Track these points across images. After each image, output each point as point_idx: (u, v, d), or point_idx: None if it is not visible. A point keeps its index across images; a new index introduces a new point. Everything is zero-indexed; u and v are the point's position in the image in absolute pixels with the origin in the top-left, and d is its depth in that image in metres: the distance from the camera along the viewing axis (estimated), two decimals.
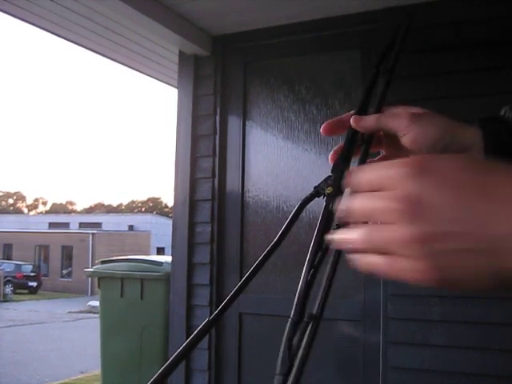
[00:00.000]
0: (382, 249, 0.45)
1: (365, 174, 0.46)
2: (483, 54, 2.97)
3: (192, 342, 0.62)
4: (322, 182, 0.65)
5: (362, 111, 0.69)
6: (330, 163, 0.69)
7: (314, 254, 0.59)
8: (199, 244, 3.58)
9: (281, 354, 0.54)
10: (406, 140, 0.65)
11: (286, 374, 0.53)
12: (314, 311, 0.57)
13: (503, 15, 2.93)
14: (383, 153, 0.72)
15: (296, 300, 0.59)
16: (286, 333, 0.57)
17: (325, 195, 0.64)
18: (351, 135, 0.67)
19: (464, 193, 0.41)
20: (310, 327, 0.56)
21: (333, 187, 0.63)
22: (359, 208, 0.46)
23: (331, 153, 0.67)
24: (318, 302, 0.57)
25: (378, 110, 0.68)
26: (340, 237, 0.48)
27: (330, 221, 0.61)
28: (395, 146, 0.68)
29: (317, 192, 0.66)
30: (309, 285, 0.59)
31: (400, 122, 0.65)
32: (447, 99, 3.02)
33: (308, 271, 0.59)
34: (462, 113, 3.00)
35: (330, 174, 0.65)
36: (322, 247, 0.60)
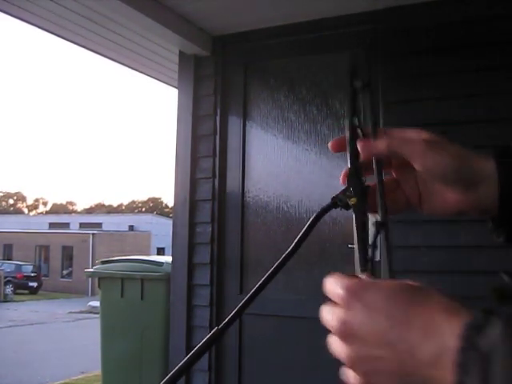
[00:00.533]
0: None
1: (327, 284, 0.54)
2: (484, 54, 2.97)
3: (198, 351, 0.61)
4: (340, 193, 0.64)
5: (355, 132, 0.67)
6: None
7: (363, 264, 0.60)
8: (199, 244, 3.58)
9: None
10: (418, 167, 0.64)
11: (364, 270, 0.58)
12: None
13: (504, 15, 2.93)
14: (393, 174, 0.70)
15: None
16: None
17: (348, 207, 0.64)
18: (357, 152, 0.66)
19: (391, 319, 0.47)
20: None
21: (356, 197, 0.63)
22: (323, 315, 0.53)
23: (342, 173, 0.65)
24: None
25: (375, 129, 0.67)
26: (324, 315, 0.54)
27: (365, 228, 0.62)
28: (405, 169, 0.67)
29: (334, 203, 0.65)
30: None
31: (413, 148, 0.63)
32: (447, 100, 3.02)
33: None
34: (464, 114, 3.00)
35: (345, 184, 0.64)
36: (369, 257, 0.61)
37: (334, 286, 0.52)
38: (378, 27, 3.22)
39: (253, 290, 0.62)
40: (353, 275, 0.55)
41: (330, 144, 0.68)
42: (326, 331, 0.53)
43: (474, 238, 2.88)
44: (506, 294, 0.47)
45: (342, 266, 3.29)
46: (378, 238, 0.61)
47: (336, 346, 0.51)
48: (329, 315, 0.52)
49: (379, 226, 0.61)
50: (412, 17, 3.13)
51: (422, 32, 3.11)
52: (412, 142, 0.64)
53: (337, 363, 0.52)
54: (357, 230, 0.61)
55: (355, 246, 0.60)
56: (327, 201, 0.65)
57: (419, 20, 3.12)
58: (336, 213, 2.89)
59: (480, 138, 2.93)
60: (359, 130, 0.67)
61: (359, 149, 0.64)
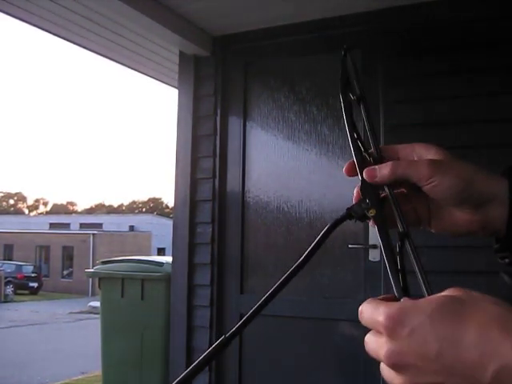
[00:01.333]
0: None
1: (364, 312, 0.52)
2: (486, 53, 2.97)
3: (205, 359, 0.60)
4: (355, 204, 0.64)
5: (358, 149, 0.66)
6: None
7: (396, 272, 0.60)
8: (200, 244, 3.58)
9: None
10: (426, 189, 0.63)
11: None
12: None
13: (504, 15, 2.93)
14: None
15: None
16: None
17: (364, 218, 0.63)
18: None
19: (438, 344, 0.45)
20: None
21: (375, 209, 0.62)
22: (369, 347, 0.51)
23: (355, 191, 0.65)
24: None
25: (377, 145, 0.66)
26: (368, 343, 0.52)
27: (390, 241, 0.61)
28: (414, 187, 0.65)
29: (349, 215, 0.64)
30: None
31: (419, 171, 0.62)
32: (446, 100, 3.02)
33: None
34: (464, 114, 3.00)
35: (361, 197, 0.64)
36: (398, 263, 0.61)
37: (372, 314, 0.50)
38: (378, 27, 3.22)
39: (259, 302, 0.62)
40: (389, 298, 0.54)
41: (344, 170, 0.67)
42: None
43: (475, 238, 2.87)
44: None
45: (341, 266, 3.29)
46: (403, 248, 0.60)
47: (390, 376, 0.49)
48: (375, 346, 0.50)
49: (402, 236, 0.61)
50: (412, 17, 3.12)
51: (422, 32, 3.11)
52: (417, 165, 0.63)
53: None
54: (383, 244, 0.60)
55: (387, 266, 0.59)
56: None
57: (419, 20, 3.12)
58: (336, 213, 2.89)
59: (480, 138, 2.93)
60: (361, 146, 0.66)
61: (365, 177, 0.63)
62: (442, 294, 0.50)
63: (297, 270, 0.63)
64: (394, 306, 0.49)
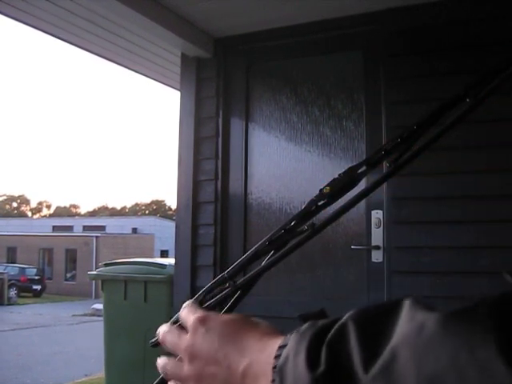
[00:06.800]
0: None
1: (182, 312, 0.65)
2: (485, 54, 2.96)
3: None
4: (328, 183, 0.64)
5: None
6: None
7: (280, 236, 0.65)
8: (202, 246, 3.58)
9: (202, 290, 0.71)
10: None
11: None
12: (238, 282, 0.67)
13: (504, 15, 2.93)
14: None
15: (235, 264, 0.70)
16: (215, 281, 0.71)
17: (321, 191, 0.63)
18: (377, 151, 0.67)
19: (222, 341, 0.56)
20: (226, 290, 0.68)
21: (331, 187, 0.63)
22: (167, 342, 0.63)
23: None
24: (246, 277, 0.67)
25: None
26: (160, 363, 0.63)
27: (309, 215, 0.63)
28: None
29: (321, 194, 0.65)
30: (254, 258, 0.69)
31: None
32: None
33: (259, 251, 0.69)
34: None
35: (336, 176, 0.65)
36: (292, 232, 0.65)
37: (187, 314, 0.62)
38: (380, 28, 3.22)
39: (252, 273, 0.67)
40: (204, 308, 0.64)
41: None
42: None
43: (477, 238, 2.87)
44: (308, 317, 0.52)
45: (344, 267, 3.28)
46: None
47: (174, 366, 0.60)
48: (177, 340, 0.60)
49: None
50: (412, 18, 3.12)
51: (423, 33, 3.11)
52: None
53: None
54: (304, 207, 0.64)
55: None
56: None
57: (419, 21, 3.11)
58: None
59: (481, 138, 2.93)
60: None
61: None
62: (240, 314, 0.60)
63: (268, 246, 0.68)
64: (204, 312, 0.61)
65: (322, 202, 0.65)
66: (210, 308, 0.66)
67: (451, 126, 0.68)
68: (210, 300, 0.68)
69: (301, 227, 0.63)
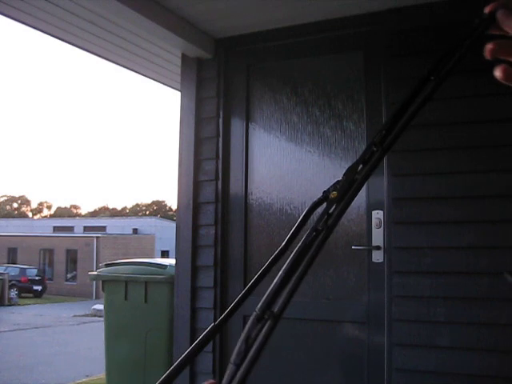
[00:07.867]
0: None
1: None
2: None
3: (197, 346, 0.62)
4: (331, 186, 0.64)
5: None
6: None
7: (299, 253, 0.59)
8: (203, 247, 3.58)
9: (238, 344, 0.57)
10: None
11: (239, 365, 0.55)
12: (276, 309, 0.58)
13: None
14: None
15: (266, 295, 0.60)
16: (247, 325, 0.57)
17: (327, 197, 0.63)
18: (368, 147, 0.66)
19: None
20: (268, 324, 0.57)
21: (338, 192, 0.62)
22: None
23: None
24: (281, 301, 0.59)
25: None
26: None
27: (322, 222, 0.61)
28: None
29: (325, 197, 0.64)
30: (283, 283, 0.60)
31: None
32: (448, 100, 3.01)
33: (287, 270, 0.60)
34: (466, 114, 2.99)
35: (339, 179, 0.64)
36: (310, 246, 0.61)
37: None
38: (380, 28, 3.22)
39: (245, 289, 0.64)
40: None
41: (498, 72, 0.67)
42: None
43: (478, 238, 2.87)
44: None
45: (345, 268, 3.28)
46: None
47: None
48: None
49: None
50: (413, 18, 3.12)
51: (423, 33, 3.11)
52: None
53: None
54: (318, 219, 0.62)
55: None
56: None
57: (420, 21, 3.11)
58: None
59: (481, 138, 2.93)
60: None
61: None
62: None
63: (280, 254, 0.64)
64: None
65: (332, 209, 0.63)
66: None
67: (423, 103, 0.71)
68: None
69: (312, 234, 0.62)
